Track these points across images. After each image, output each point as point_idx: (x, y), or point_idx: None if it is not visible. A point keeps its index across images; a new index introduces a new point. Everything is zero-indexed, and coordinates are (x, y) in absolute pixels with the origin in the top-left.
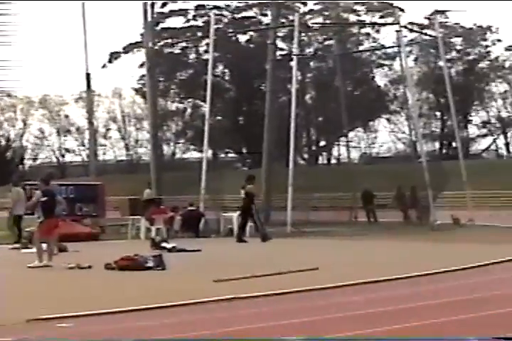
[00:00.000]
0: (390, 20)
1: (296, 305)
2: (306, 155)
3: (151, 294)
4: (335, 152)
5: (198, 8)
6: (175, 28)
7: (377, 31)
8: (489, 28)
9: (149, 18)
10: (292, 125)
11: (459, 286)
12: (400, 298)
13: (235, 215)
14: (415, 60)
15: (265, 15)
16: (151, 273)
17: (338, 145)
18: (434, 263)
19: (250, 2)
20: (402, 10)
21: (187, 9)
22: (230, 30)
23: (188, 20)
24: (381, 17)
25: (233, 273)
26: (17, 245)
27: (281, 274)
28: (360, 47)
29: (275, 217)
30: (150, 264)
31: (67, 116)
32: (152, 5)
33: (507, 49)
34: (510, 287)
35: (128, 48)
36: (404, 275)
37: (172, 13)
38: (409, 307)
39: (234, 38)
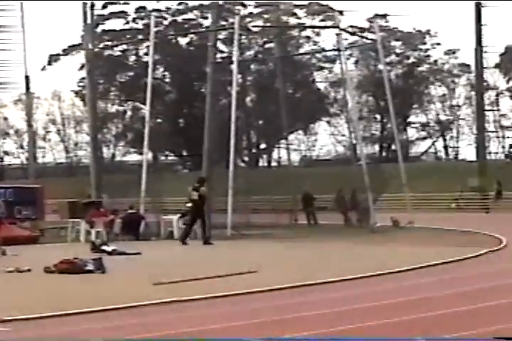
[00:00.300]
0: (330, 23)
1: (237, 308)
2: (246, 158)
3: (91, 297)
4: (275, 155)
5: (138, 10)
6: (115, 30)
7: (318, 34)
8: (428, 32)
9: (89, 20)
10: (232, 127)
11: (395, 289)
12: (337, 301)
13: (175, 218)
14: (356, 62)
15: (205, 17)
16: (91, 277)
17: (279, 147)
18: (372, 265)
19: (191, 5)
20: (341, 13)
21: (127, 12)
22: (171, 33)
23: (128, 23)
24: (321, 20)
25: (173, 276)
26: None
27: (221, 277)
28: (301, 50)
29: (215, 220)
30: (90, 267)
31: (5, 119)
32: (92, 7)
33: (446, 53)
34: (447, 288)
35: (68, 50)
36: (341, 278)
37: (112, 15)
38: (344, 309)
39: (174, 41)
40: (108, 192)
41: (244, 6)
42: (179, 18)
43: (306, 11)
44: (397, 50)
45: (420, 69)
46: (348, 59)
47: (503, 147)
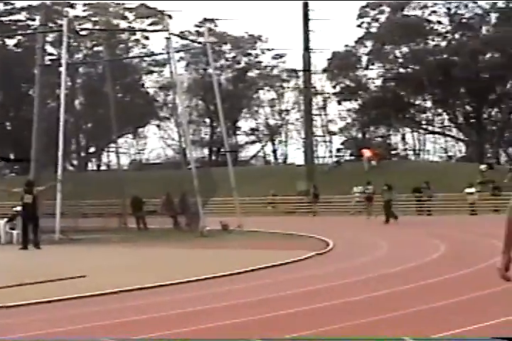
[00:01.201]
0: (159, 27)
1: (65, 313)
2: (75, 162)
3: None
4: (104, 158)
5: None
6: None
7: (147, 38)
8: (259, 37)
9: None
10: (61, 131)
11: (225, 292)
12: (166, 304)
13: (2, 222)
14: (186, 65)
15: (33, 19)
16: None
17: (108, 151)
18: (200, 269)
19: (18, 5)
20: (171, 17)
21: None
22: None
23: None
24: (151, 24)
25: (0, 282)
26: None
27: (51, 282)
28: (130, 54)
29: (43, 224)
30: None
31: None
32: None
33: (274, 57)
34: (276, 291)
35: None
36: (171, 282)
37: None
38: (175, 313)
39: (1, 42)
40: None
41: (72, 7)
42: (6, 19)
43: (136, 15)
44: (227, 55)
45: (250, 73)
46: (178, 61)
47: (331, 151)
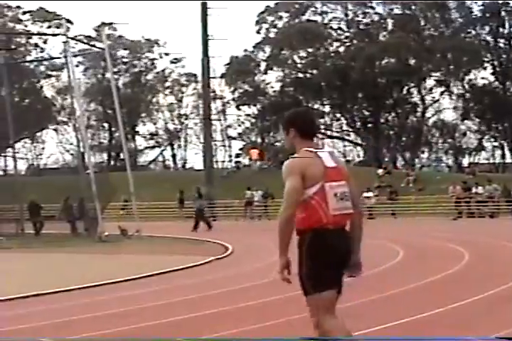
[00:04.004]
0: (58, 30)
1: None
2: None
3: None
4: (1, 163)
5: None
6: None
7: (45, 42)
8: (157, 41)
9: None
10: None
11: (112, 299)
12: (55, 312)
13: None
14: (85, 70)
15: None
16: None
17: (5, 156)
18: (95, 275)
19: None
20: (70, 21)
21: None
22: None
23: None
24: (49, 27)
25: None
26: None
27: None
28: (28, 58)
29: None
30: None
31: None
32: None
33: (172, 62)
34: (167, 297)
35: None
36: (62, 289)
37: None
38: (61, 321)
39: None
40: None
41: None
42: None
43: (33, 18)
44: (125, 59)
45: (148, 77)
46: (77, 66)
47: (230, 156)
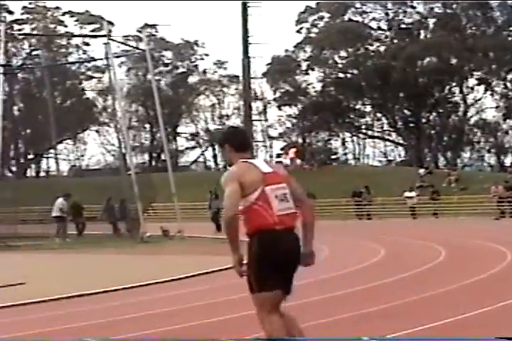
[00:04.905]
0: (100, 32)
1: (5, 320)
2: (14, 168)
3: None
4: (44, 164)
5: None
6: None
7: (87, 44)
8: (196, 42)
9: None
10: None
11: (162, 298)
12: (105, 311)
13: None
14: (127, 71)
15: None
16: None
17: (47, 157)
18: (136, 275)
19: None
20: (111, 23)
21: None
22: None
23: None
24: (92, 30)
25: None
26: None
27: None
28: (70, 59)
29: None
30: None
31: None
32: None
33: (214, 63)
34: (217, 296)
35: None
36: (107, 289)
37: None
38: (112, 320)
39: None
40: None
41: (10, 12)
42: None
43: (76, 20)
44: (167, 60)
45: (190, 79)
46: (120, 66)
47: (271, 156)
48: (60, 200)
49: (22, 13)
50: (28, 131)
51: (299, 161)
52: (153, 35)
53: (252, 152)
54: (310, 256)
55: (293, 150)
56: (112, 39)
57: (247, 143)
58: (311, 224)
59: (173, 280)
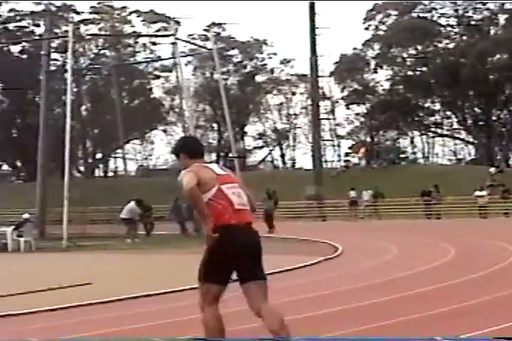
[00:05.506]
0: (166, 32)
1: (70, 320)
2: (82, 168)
3: None
4: (112, 164)
5: None
6: None
7: (154, 43)
8: (265, 41)
9: None
10: (67, 137)
11: (228, 298)
12: (175, 311)
13: (9, 230)
14: (194, 70)
15: (38, 25)
16: None
17: (115, 157)
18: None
19: (22, 12)
20: (178, 22)
21: None
22: (2, 41)
23: None
24: (158, 30)
25: (7, 289)
26: None
27: (53, 289)
28: (137, 59)
29: (51, 231)
30: None
31: None
32: None
33: (281, 62)
34: (278, 297)
35: None
36: (176, 289)
37: None
38: (184, 319)
39: (6, 49)
40: None
41: (77, 13)
42: (10, 26)
43: (143, 20)
44: (234, 59)
45: (257, 78)
46: (186, 65)
47: (339, 155)
48: (132, 204)
49: (90, 13)
50: (96, 131)
51: (364, 161)
52: (219, 33)
53: (204, 158)
54: None
55: (362, 149)
56: (179, 38)
57: (200, 150)
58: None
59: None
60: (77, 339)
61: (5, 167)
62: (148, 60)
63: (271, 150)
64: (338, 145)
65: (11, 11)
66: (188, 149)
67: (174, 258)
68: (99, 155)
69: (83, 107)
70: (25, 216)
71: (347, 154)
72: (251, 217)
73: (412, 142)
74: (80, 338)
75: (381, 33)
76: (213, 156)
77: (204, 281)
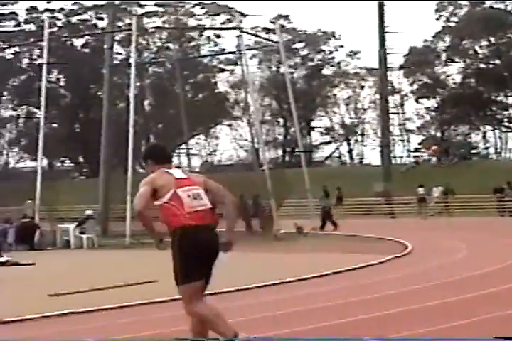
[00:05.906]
0: (231, 24)
1: (136, 318)
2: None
3: None
4: (176, 160)
5: (29, 10)
6: (7, 32)
7: (219, 36)
8: (332, 33)
9: None
10: (131, 132)
11: (294, 297)
12: (253, 307)
13: (71, 227)
14: (259, 63)
15: (101, 18)
16: None
17: (179, 152)
18: (273, 273)
19: (85, 5)
20: (243, 14)
21: (17, 13)
22: (65, 34)
23: (19, 24)
24: (223, 22)
25: (70, 287)
26: None
27: (119, 287)
28: (201, 52)
29: (114, 228)
30: None
31: None
32: None
33: (348, 54)
34: (351, 295)
35: None
36: (244, 287)
37: (2, 16)
38: (259, 316)
39: (69, 43)
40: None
41: (141, 6)
42: (74, 19)
43: (206, 12)
44: (301, 52)
45: (324, 71)
46: (251, 58)
47: (408, 151)
48: None
49: (154, 5)
50: (160, 125)
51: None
52: (284, 26)
53: (171, 164)
54: (226, 244)
55: (434, 147)
56: (244, 31)
57: (166, 156)
58: (231, 215)
59: (315, 277)
60: (139, 338)
61: (67, 162)
62: (213, 53)
63: (338, 146)
64: (408, 141)
65: (74, 4)
66: (156, 155)
67: (240, 256)
68: None
69: (146, 102)
70: (88, 212)
71: (416, 149)
72: (210, 217)
73: (484, 137)
74: (142, 337)
75: (452, 24)
76: (279, 152)
77: (188, 282)
